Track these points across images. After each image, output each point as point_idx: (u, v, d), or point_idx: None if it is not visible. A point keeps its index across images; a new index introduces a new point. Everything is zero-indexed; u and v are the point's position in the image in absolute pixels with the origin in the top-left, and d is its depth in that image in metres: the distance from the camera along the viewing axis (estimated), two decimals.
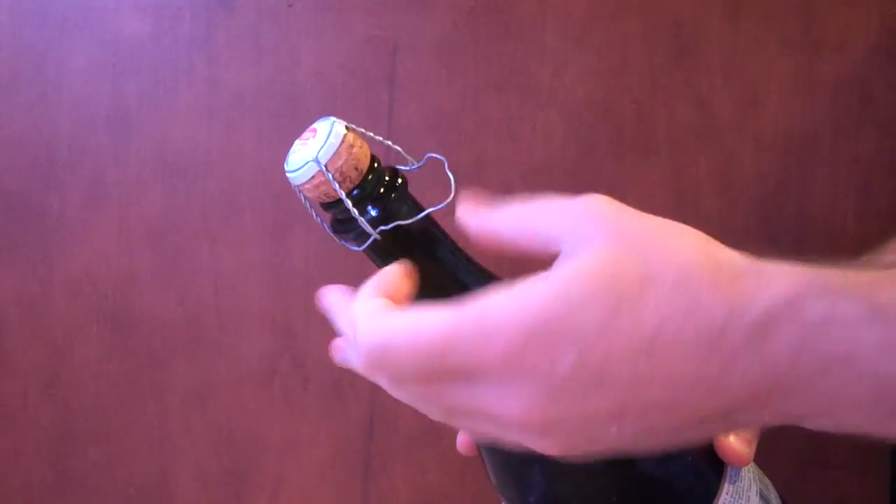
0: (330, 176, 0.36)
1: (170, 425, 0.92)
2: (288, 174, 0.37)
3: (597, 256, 0.29)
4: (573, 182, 0.90)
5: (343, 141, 0.37)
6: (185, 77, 0.90)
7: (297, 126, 0.39)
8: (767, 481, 0.49)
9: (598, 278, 0.29)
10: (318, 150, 0.36)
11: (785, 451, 0.89)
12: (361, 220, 0.37)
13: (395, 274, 0.35)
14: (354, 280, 0.95)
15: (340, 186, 0.37)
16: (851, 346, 0.28)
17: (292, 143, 0.38)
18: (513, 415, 0.30)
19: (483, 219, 0.34)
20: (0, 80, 0.90)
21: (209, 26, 0.90)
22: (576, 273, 0.29)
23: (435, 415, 0.33)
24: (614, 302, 0.28)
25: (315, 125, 0.38)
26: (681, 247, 0.30)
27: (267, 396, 0.92)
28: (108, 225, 0.91)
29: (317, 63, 0.90)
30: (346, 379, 0.93)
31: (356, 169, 0.37)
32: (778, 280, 0.29)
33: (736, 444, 0.44)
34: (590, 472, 0.43)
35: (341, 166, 0.36)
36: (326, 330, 0.92)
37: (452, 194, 0.37)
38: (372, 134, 0.38)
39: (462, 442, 0.48)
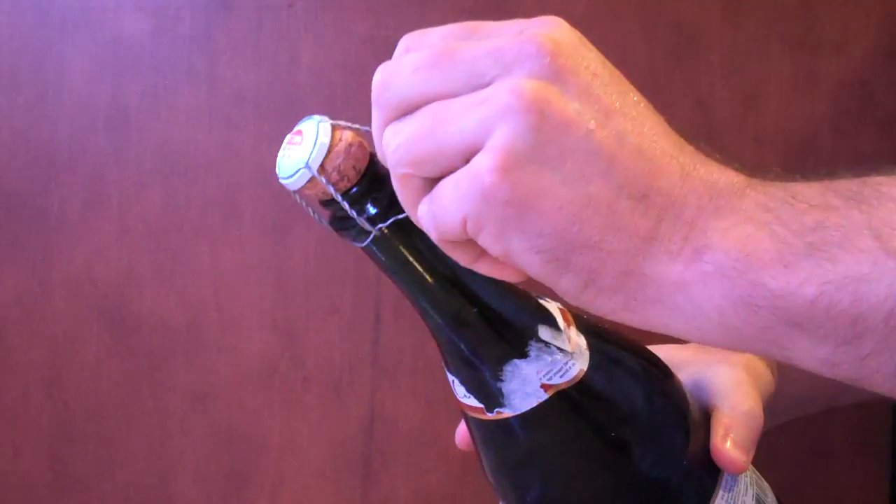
0: (324, 180, 0.36)
1: (170, 425, 0.92)
2: (281, 181, 0.37)
3: None
4: None
5: (341, 140, 0.36)
6: (185, 77, 0.90)
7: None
8: (765, 485, 0.49)
9: None
10: (308, 154, 0.36)
11: (785, 449, 0.89)
12: (359, 219, 0.37)
13: None
14: (354, 280, 0.95)
15: (339, 184, 0.36)
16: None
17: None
18: (535, 36, 0.31)
19: None
20: (0, 80, 0.90)
21: (209, 26, 0.90)
22: None
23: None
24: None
25: (300, 126, 0.37)
26: None
27: (267, 396, 0.92)
28: (108, 225, 0.91)
29: (317, 63, 0.90)
30: (346, 379, 0.93)
31: (354, 168, 0.36)
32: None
33: (733, 451, 0.44)
34: (585, 474, 0.43)
35: (339, 165, 0.36)
36: (326, 330, 0.92)
37: None
38: (358, 126, 0.37)
39: (461, 437, 0.48)
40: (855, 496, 0.95)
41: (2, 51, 0.90)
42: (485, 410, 0.41)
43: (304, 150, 0.36)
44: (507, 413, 0.41)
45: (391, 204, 0.36)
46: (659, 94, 0.94)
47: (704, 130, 0.92)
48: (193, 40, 0.90)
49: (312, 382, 0.93)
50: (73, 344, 0.92)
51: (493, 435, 0.43)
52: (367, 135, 0.36)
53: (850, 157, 0.93)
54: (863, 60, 0.92)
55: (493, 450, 0.44)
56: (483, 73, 0.31)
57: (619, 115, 0.31)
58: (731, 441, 0.44)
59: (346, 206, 0.37)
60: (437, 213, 0.32)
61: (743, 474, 0.45)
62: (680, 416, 0.44)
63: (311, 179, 0.36)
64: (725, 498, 0.44)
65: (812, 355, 0.31)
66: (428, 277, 0.39)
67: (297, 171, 0.36)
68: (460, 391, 0.42)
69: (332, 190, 0.36)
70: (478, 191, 0.30)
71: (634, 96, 0.33)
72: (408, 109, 0.32)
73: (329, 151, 0.36)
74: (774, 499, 0.48)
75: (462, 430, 0.48)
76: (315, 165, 0.36)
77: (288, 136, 0.38)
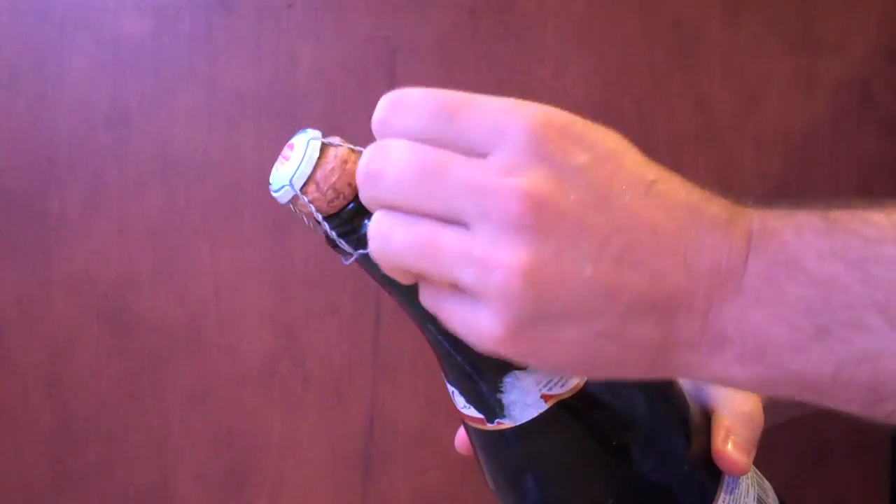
0: (306, 199, 0.36)
1: (170, 425, 0.92)
2: (272, 193, 0.37)
3: None
4: None
5: (336, 156, 0.36)
6: (185, 77, 0.90)
7: (297, 126, 0.39)
8: (767, 485, 0.49)
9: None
10: (293, 172, 0.36)
11: (785, 451, 0.89)
12: (339, 241, 0.37)
13: None
14: (354, 280, 0.95)
15: (335, 202, 0.36)
16: (797, 252, 0.32)
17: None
18: (514, 189, 0.30)
19: None
20: (0, 80, 0.90)
21: (209, 26, 0.90)
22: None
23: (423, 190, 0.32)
24: (625, 143, 0.32)
25: (294, 138, 0.37)
26: None
27: (267, 396, 0.92)
28: (108, 225, 0.91)
29: (317, 63, 0.90)
30: (346, 379, 0.93)
31: (350, 185, 0.36)
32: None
33: (734, 453, 0.44)
34: (587, 483, 0.42)
35: (334, 182, 0.36)
36: (326, 330, 0.92)
37: None
38: (351, 146, 0.37)
39: (460, 442, 0.48)
40: (855, 495, 0.95)
41: (2, 51, 0.90)
42: (485, 421, 0.41)
43: (290, 166, 0.36)
44: (507, 424, 0.41)
45: None
46: (659, 94, 0.95)
47: (704, 130, 0.92)
48: (193, 40, 0.90)
49: (312, 382, 0.93)
50: (73, 344, 0.92)
51: (494, 445, 0.43)
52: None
53: (850, 157, 0.93)
54: (863, 60, 0.92)
55: (494, 460, 0.44)
56: (463, 210, 0.31)
57: (613, 234, 0.31)
58: (732, 443, 0.44)
59: (326, 227, 0.36)
60: (456, 330, 0.34)
61: (744, 476, 0.45)
62: (680, 421, 0.44)
63: (296, 197, 0.36)
64: (727, 500, 0.44)
65: (840, 409, 0.33)
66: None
67: (282, 188, 0.36)
68: (460, 402, 0.42)
69: (312, 209, 0.36)
70: (489, 346, 0.32)
71: (626, 186, 0.32)
72: (395, 208, 0.33)
73: (314, 171, 0.36)
74: (776, 499, 0.48)
75: (462, 436, 0.48)
76: (298, 184, 0.36)
77: (284, 148, 0.37)
